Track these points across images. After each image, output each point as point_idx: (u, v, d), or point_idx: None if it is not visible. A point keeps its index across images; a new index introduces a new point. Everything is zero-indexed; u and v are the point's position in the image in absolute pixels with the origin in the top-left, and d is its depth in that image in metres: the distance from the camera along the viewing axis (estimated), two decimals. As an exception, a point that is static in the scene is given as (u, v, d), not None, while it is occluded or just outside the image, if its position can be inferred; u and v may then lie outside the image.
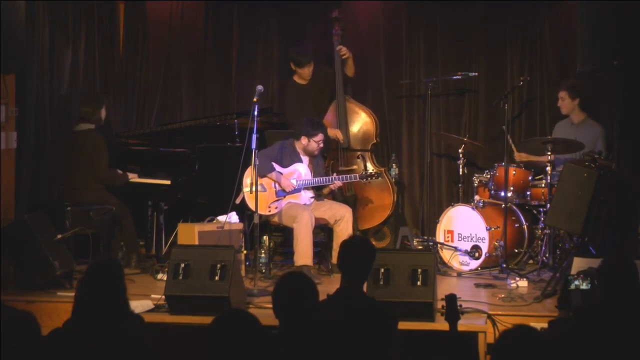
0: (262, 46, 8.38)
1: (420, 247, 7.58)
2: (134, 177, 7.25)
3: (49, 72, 7.46)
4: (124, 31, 8.31)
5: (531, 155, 7.33)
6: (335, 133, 7.58)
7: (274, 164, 6.85)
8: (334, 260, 6.47)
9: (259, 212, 6.34)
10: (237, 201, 6.70)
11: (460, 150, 7.43)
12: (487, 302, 5.87)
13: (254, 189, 6.36)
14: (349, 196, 7.47)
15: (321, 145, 6.88)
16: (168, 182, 7.21)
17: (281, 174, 6.85)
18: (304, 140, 6.87)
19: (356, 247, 4.58)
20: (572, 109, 7.28)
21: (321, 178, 6.91)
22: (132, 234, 7.15)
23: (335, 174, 7.13)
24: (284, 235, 7.62)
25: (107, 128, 7.67)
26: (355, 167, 7.65)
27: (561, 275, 5.79)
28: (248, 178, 6.72)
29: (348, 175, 6.99)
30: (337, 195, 7.37)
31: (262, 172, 6.69)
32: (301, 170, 6.90)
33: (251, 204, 6.61)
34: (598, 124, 7.21)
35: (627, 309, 4.03)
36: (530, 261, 7.13)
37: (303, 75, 7.56)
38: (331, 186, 6.92)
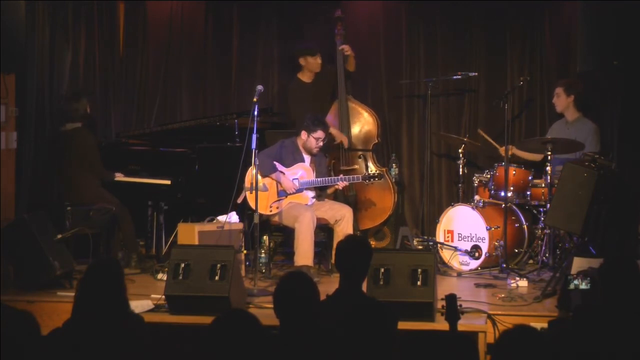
0: (262, 46, 8.38)
1: (420, 247, 7.59)
2: (119, 177, 7.26)
3: (49, 72, 7.46)
4: (124, 31, 8.31)
5: (523, 152, 7.34)
6: (340, 137, 7.57)
7: (276, 163, 6.84)
8: (334, 260, 6.47)
9: (260, 211, 6.34)
10: (239, 200, 6.69)
11: (460, 150, 7.43)
12: (487, 302, 5.87)
13: (252, 187, 6.34)
14: (350, 196, 7.47)
15: (320, 143, 6.86)
16: (168, 182, 7.21)
17: (283, 173, 6.84)
18: (303, 136, 6.87)
19: (351, 246, 4.59)
20: (566, 106, 7.29)
21: (324, 178, 6.91)
22: (131, 234, 7.15)
23: (341, 175, 7.08)
24: (284, 235, 7.62)
25: (93, 125, 7.65)
26: (356, 166, 7.66)
27: (561, 275, 5.79)
28: (249, 177, 6.71)
29: (351, 176, 6.98)
30: (339, 195, 7.37)
31: (265, 172, 6.69)
32: (303, 170, 6.90)
33: (253, 204, 6.60)
34: (591, 122, 7.23)
35: (628, 309, 4.02)
36: (530, 261, 7.13)
37: (313, 66, 7.54)
38: (336, 186, 6.91)
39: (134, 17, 8.35)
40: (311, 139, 6.84)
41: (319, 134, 6.82)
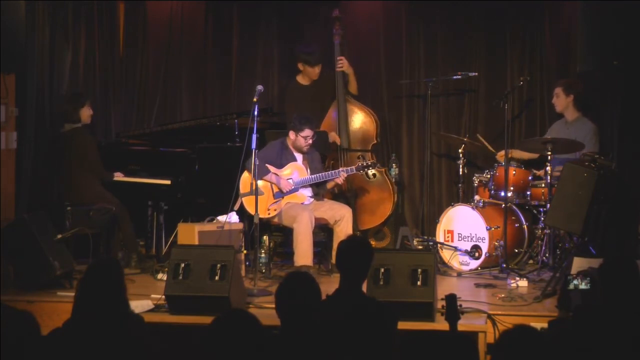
0: (262, 46, 8.38)
1: (420, 247, 7.59)
2: (119, 177, 7.26)
3: (49, 72, 7.46)
4: (124, 31, 8.31)
5: (523, 152, 7.34)
6: (333, 137, 7.57)
7: (268, 165, 6.83)
8: (334, 260, 6.46)
9: (260, 216, 6.31)
10: (236, 208, 6.70)
11: (460, 150, 7.43)
12: (487, 302, 5.87)
13: (252, 190, 6.31)
14: (350, 196, 7.46)
15: (309, 141, 6.86)
16: (168, 182, 7.21)
17: (277, 175, 6.83)
18: (292, 136, 6.87)
19: (353, 247, 4.58)
20: (565, 106, 7.29)
21: (319, 174, 6.90)
22: (131, 234, 7.15)
23: (335, 170, 7.05)
24: (284, 235, 7.61)
25: (93, 127, 7.64)
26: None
27: (561, 275, 5.79)
28: (244, 183, 6.68)
29: (347, 169, 6.96)
30: (339, 195, 7.37)
31: (258, 176, 6.66)
32: (297, 169, 6.89)
33: (250, 209, 6.60)
34: (590, 121, 7.23)
35: (628, 309, 4.02)
36: (530, 261, 7.13)
37: (311, 74, 7.54)
38: (337, 180, 6.88)
39: (134, 17, 8.35)
40: (299, 138, 6.84)
41: (307, 132, 6.82)
